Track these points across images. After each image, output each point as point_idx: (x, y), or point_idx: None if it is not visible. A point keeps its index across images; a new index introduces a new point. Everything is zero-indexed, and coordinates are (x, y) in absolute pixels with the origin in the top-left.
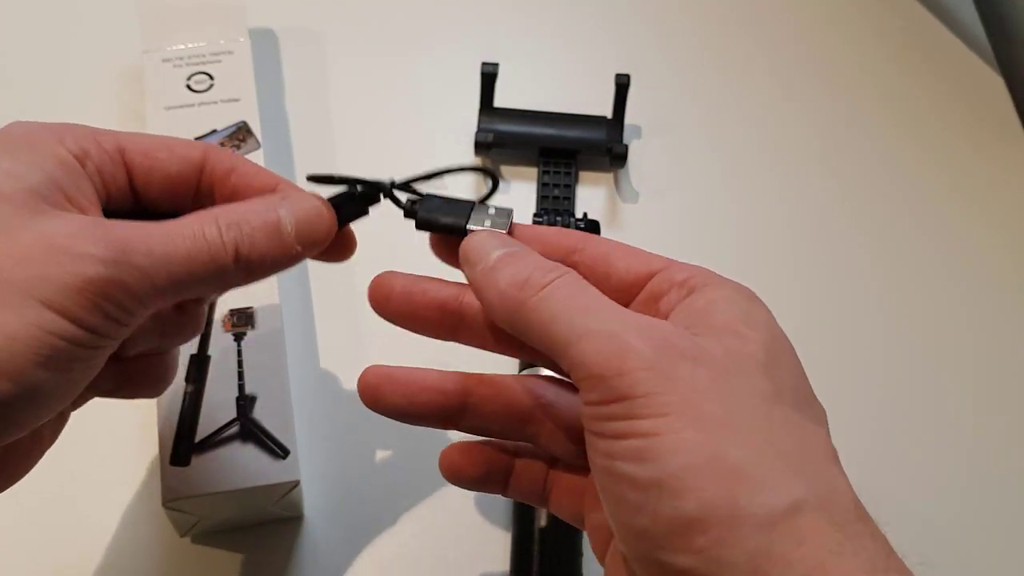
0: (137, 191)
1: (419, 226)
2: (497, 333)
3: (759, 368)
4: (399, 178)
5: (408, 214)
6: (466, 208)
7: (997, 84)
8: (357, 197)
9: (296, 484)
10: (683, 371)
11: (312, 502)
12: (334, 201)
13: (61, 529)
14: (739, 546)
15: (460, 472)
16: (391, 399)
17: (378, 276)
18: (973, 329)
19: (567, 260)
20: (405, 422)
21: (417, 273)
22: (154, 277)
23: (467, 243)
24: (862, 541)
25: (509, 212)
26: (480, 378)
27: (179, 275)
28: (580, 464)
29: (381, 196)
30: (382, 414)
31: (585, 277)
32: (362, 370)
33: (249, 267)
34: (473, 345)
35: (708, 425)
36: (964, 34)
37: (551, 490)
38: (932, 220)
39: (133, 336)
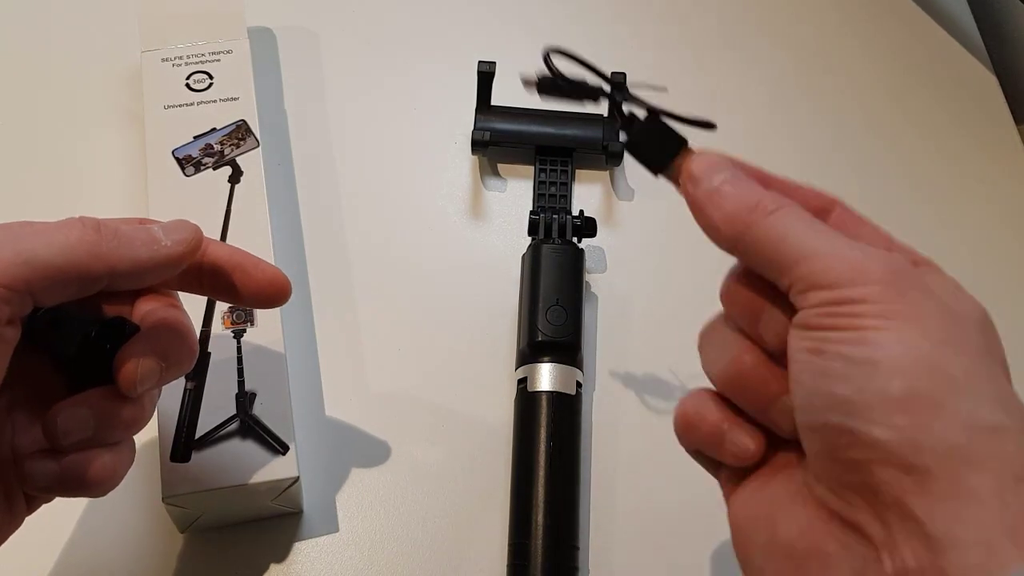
0: None
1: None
2: None
3: (974, 323)
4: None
5: (624, 127)
6: (679, 141)
7: (991, 83)
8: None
9: (296, 480)
10: (913, 295)
11: (311, 498)
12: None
13: (61, 525)
14: (939, 435)
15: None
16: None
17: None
18: None
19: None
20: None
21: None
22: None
23: (695, 162)
24: None
25: None
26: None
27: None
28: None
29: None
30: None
31: None
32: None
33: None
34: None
35: (931, 337)
36: (958, 33)
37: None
38: (927, 218)
39: (65, 425)
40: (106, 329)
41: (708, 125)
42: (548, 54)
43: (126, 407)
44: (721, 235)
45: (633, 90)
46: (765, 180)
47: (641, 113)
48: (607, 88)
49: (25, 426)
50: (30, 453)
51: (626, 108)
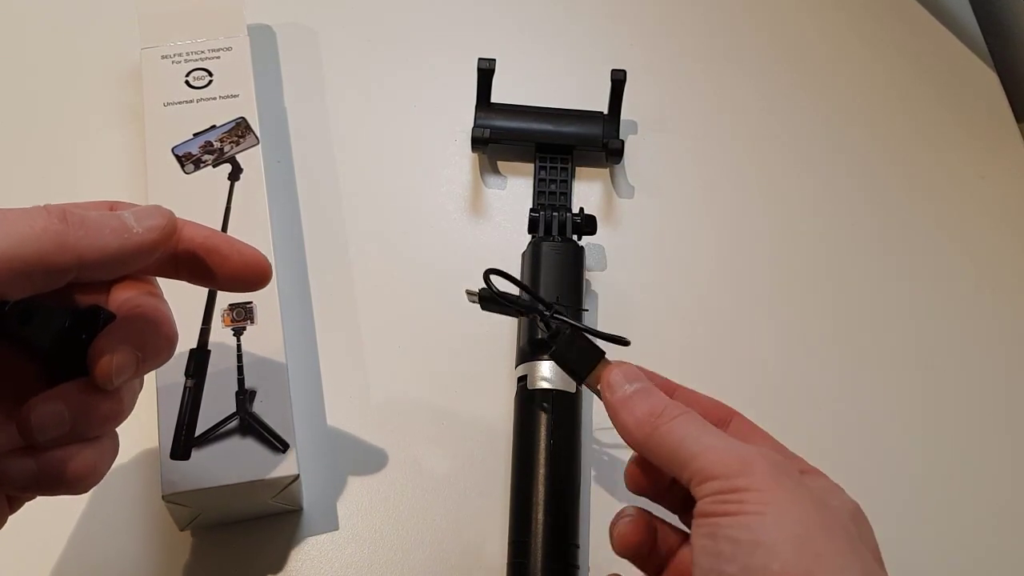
0: None
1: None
2: None
3: (846, 514)
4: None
5: (551, 338)
6: (597, 354)
7: (992, 81)
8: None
9: (296, 478)
10: (789, 485)
11: (312, 496)
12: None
13: (61, 523)
14: None
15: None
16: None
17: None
18: (971, 324)
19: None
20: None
21: None
22: None
23: (612, 372)
24: None
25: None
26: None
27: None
28: None
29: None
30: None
31: None
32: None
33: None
34: None
35: (804, 522)
36: (959, 31)
37: None
38: (928, 216)
39: (39, 421)
40: (80, 319)
41: (622, 341)
42: (488, 273)
43: (104, 400)
44: (632, 436)
45: (557, 310)
46: (670, 390)
47: (566, 329)
48: (540, 307)
49: (0, 424)
50: (6, 452)
51: (552, 324)
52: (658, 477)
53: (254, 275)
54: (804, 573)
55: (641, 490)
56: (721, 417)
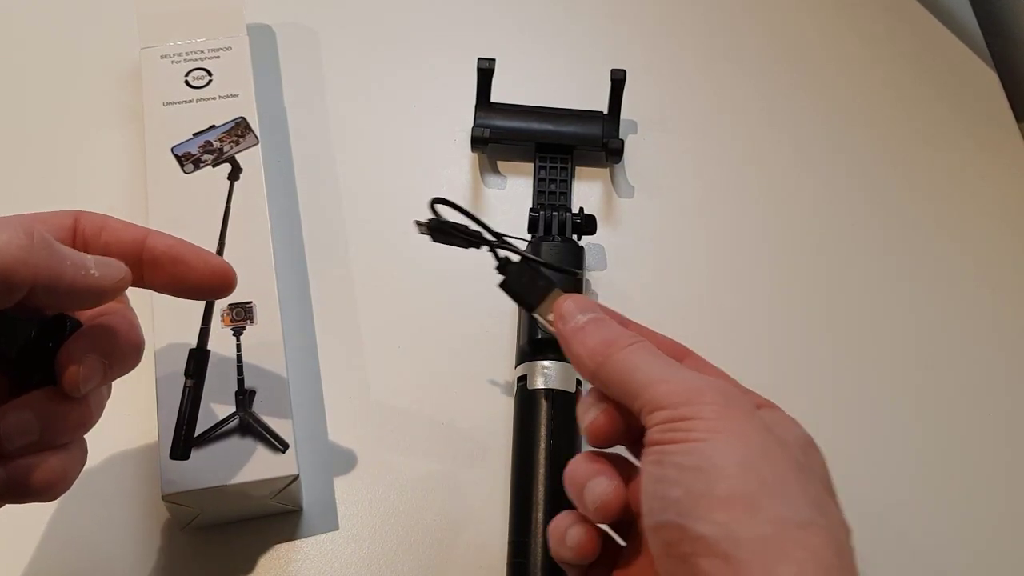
0: None
1: (504, 283)
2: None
3: (796, 444)
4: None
5: (500, 269)
6: (549, 285)
7: (992, 80)
8: (461, 238)
9: (295, 478)
10: (738, 415)
11: (311, 496)
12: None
13: (62, 523)
14: (753, 529)
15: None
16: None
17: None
18: (971, 324)
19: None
20: None
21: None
22: None
23: (565, 302)
24: None
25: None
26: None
27: None
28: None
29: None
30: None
31: None
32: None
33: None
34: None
35: (751, 449)
36: (959, 30)
37: None
38: (927, 216)
39: (7, 430)
40: (47, 328)
41: (573, 273)
42: (434, 202)
43: (72, 408)
44: (585, 366)
45: (506, 240)
46: (624, 324)
47: (515, 257)
48: (488, 236)
49: None
50: None
51: (501, 253)
52: (620, 427)
53: (220, 283)
54: (747, 497)
55: (603, 441)
56: (676, 354)
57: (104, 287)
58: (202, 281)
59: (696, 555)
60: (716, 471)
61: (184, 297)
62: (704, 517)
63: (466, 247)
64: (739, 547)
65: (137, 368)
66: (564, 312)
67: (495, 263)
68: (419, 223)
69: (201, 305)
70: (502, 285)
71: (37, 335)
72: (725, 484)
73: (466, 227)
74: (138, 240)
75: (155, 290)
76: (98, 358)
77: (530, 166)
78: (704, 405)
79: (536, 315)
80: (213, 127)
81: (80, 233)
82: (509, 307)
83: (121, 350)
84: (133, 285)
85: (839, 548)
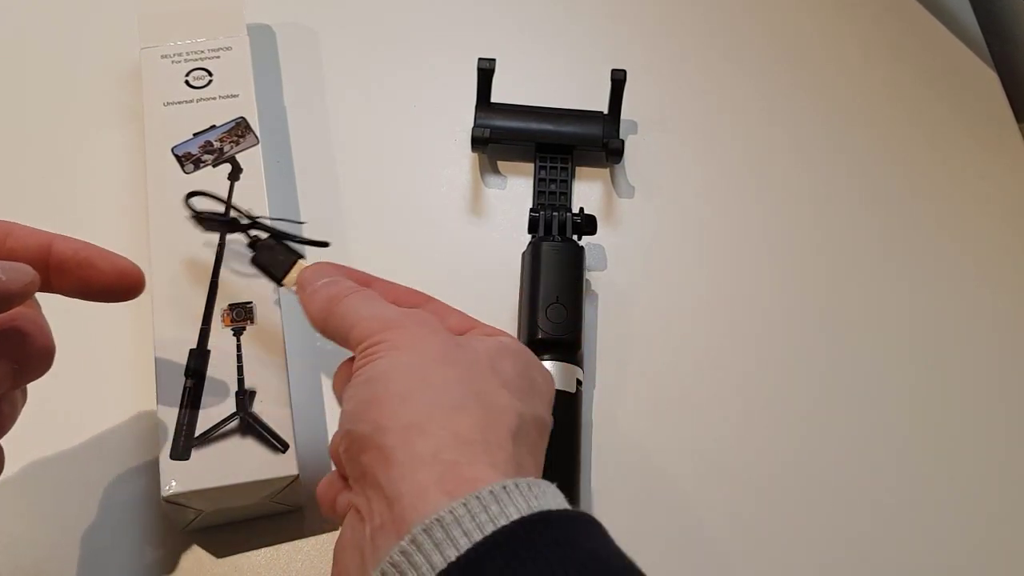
0: None
1: (255, 259)
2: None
3: (484, 353)
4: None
5: (251, 247)
6: (294, 257)
7: (992, 80)
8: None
9: (296, 478)
10: (419, 333)
11: (311, 496)
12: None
13: (62, 524)
14: (400, 418)
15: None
16: None
17: None
18: (971, 324)
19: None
20: None
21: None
22: None
23: (304, 272)
24: (506, 468)
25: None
26: None
27: None
28: None
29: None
30: None
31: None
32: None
33: None
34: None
35: (421, 357)
36: (959, 30)
37: None
38: (927, 216)
39: None
40: None
41: (322, 244)
42: (188, 196)
43: None
44: (316, 324)
45: (257, 221)
46: (366, 283)
47: (264, 235)
48: (243, 221)
49: None
50: None
51: (253, 233)
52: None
53: (129, 284)
54: (402, 394)
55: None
56: (415, 302)
57: (12, 291)
58: (110, 284)
59: (360, 453)
60: (382, 379)
61: (94, 300)
62: (364, 419)
63: (229, 232)
64: (386, 435)
65: (137, 368)
66: (302, 280)
67: (246, 241)
68: (190, 216)
69: (201, 305)
70: (252, 260)
71: None
72: (384, 388)
73: (223, 214)
74: (44, 245)
75: (64, 294)
76: (7, 363)
77: (530, 166)
78: (394, 330)
79: (284, 286)
80: (213, 127)
81: None
82: (509, 307)
83: (31, 355)
84: (41, 290)
85: (488, 426)
